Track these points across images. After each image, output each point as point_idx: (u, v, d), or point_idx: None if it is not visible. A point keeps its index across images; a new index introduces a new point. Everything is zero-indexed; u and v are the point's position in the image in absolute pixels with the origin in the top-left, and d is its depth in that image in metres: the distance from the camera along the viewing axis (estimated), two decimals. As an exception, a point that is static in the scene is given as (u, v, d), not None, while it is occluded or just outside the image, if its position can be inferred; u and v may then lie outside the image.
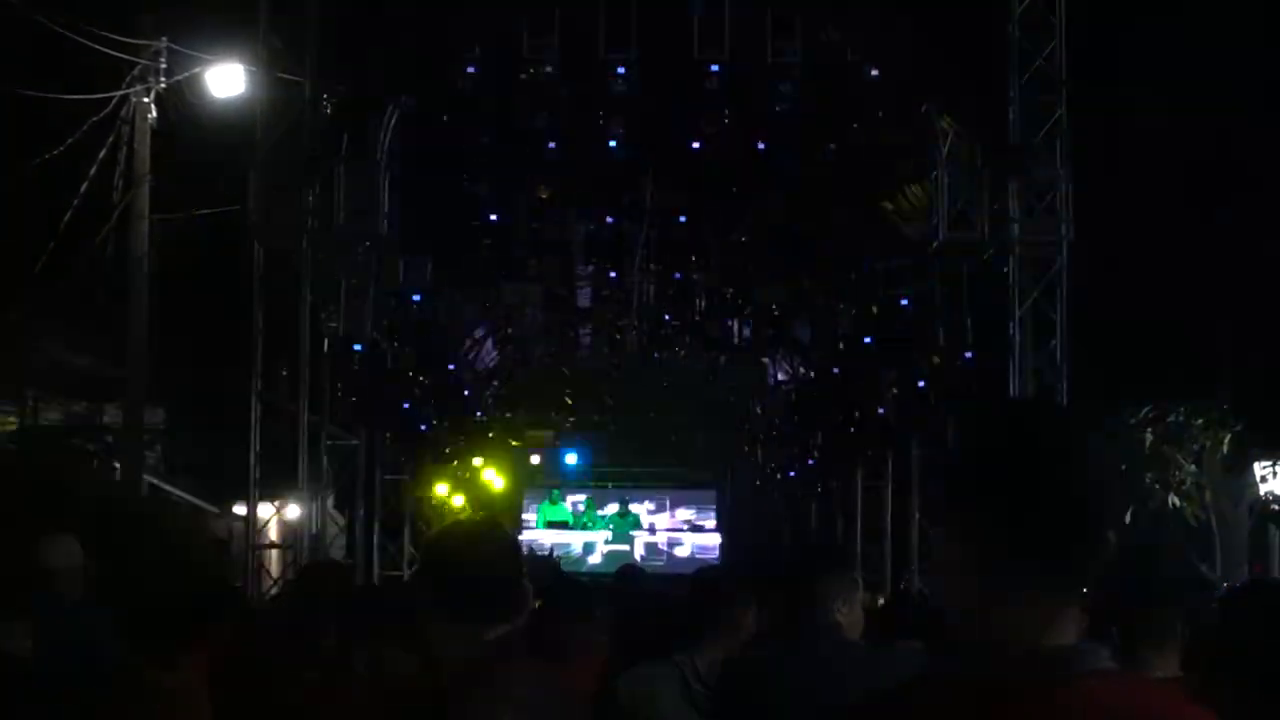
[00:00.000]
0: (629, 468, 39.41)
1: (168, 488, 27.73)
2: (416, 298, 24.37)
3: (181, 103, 24.74)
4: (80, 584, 9.00)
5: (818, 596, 5.78)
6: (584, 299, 30.90)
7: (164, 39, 24.09)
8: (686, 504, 39.14)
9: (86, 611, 8.56)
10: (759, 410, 38.88)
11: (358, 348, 23.08)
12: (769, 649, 5.99)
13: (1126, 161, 27.12)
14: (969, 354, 23.58)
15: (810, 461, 33.99)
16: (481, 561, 4.35)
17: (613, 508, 38.51)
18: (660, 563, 34.55)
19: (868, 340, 25.98)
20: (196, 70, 24.10)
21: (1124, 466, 25.19)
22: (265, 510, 22.88)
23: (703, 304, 31.01)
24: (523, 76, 22.33)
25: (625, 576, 10.88)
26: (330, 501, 24.48)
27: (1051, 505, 2.57)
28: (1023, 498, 2.57)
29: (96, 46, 23.02)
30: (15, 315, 23.97)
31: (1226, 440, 25.87)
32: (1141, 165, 26.95)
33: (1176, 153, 26.22)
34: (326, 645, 7.62)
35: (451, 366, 30.20)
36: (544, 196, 24.98)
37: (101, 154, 23.80)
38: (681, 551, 38.14)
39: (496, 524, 4.68)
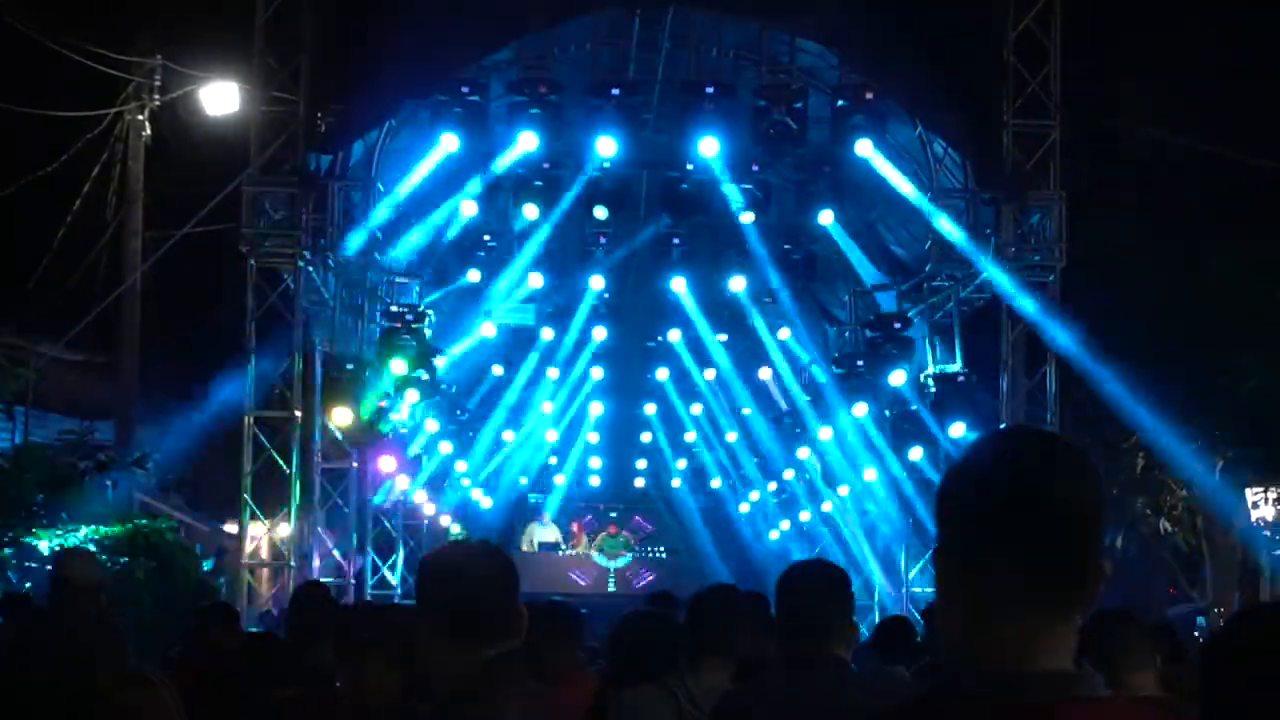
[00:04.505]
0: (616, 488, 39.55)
1: (159, 505, 27.69)
2: (410, 317, 24.30)
3: (175, 120, 24.79)
4: (96, 599, 9.04)
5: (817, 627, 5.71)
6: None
7: (159, 57, 24.16)
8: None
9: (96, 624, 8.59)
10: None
11: (350, 367, 23.04)
12: (764, 682, 5.91)
13: (1120, 187, 27.18)
14: (960, 378, 23.58)
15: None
16: (477, 581, 4.36)
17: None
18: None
19: (860, 363, 25.97)
20: (191, 88, 24.16)
21: (1115, 490, 25.22)
22: (256, 529, 22.83)
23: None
24: (520, 97, 22.37)
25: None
26: (322, 521, 24.44)
27: (1043, 528, 2.59)
28: (1015, 521, 2.59)
29: (91, 64, 23.06)
30: (7, 331, 23.96)
31: (1218, 466, 25.89)
32: (1135, 190, 27.02)
33: (1171, 177, 26.28)
34: (317, 664, 7.64)
35: (445, 386, 30.16)
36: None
37: (95, 170, 23.83)
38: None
39: (492, 545, 4.68)
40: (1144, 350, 26.38)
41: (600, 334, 31.55)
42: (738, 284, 27.09)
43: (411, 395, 24.95)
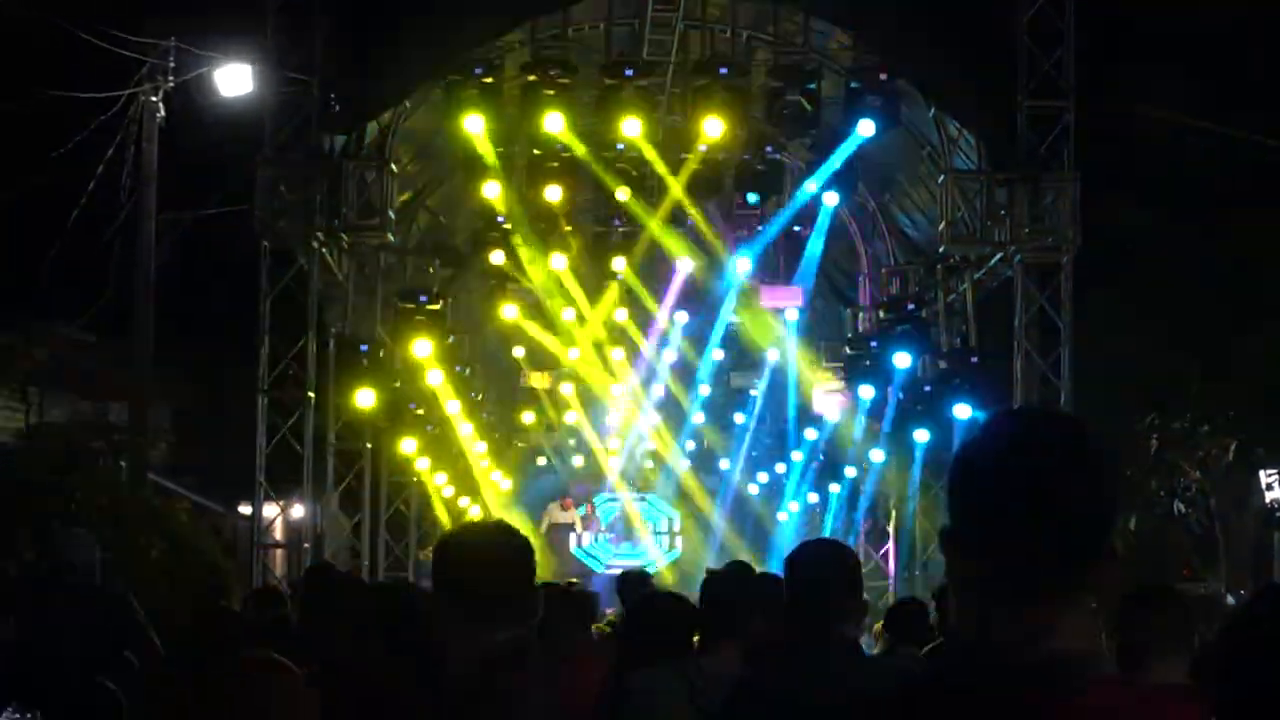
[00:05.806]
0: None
1: (173, 486, 27.75)
2: (423, 298, 24.33)
3: (190, 102, 24.77)
4: (94, 578, 9.08)
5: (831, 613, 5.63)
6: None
7: (172, 39, 24.11)
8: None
9: (101, 603, 8.63)
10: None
11: (364, 348, 23.07)
12: (777, 665, 5.84)
13: (1133, 168, 27.12)
14: (974, 359, 23.56)
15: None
16: (493, 564, 4.36)
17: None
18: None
19: (874, 344, 25.92)
20: (204, 69, 24.12)
21: (1129, 473, 25.19)
22: (270, 510, 22.87)
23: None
24: (533, 78, 22.34)
25: (628, 582, 10.80)
26: (335, 502, 24.46)
27: (1047, 514, 2.58)
28: (1019, 508, 2.58)
29: (105, 46, 23.04)
30: (22, 313, 23.99)
31: (1232, 447, 25.86)
32: (1148, 172, 26.96)
33: (1183, 160, 26.22)
34: (327, 645, 7.66)
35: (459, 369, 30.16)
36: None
37: (109, 153, 23.82)
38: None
39: (509, 526, 4.67)
40: (1157, 331, 26.36)
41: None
42: (743, 264, 27.13)
43: (435, 376, 24.98)
